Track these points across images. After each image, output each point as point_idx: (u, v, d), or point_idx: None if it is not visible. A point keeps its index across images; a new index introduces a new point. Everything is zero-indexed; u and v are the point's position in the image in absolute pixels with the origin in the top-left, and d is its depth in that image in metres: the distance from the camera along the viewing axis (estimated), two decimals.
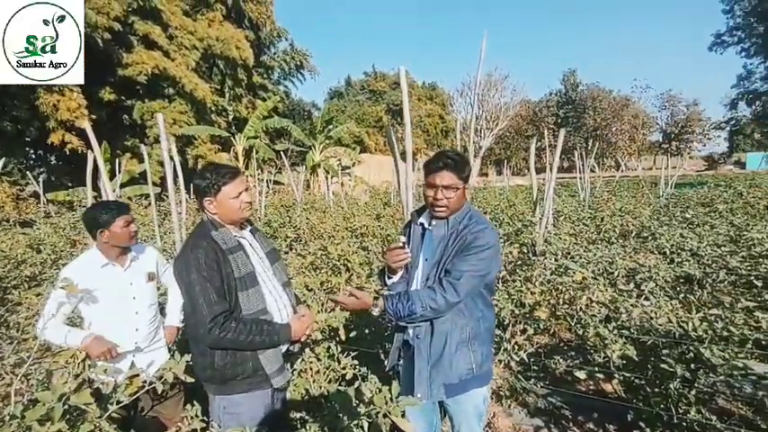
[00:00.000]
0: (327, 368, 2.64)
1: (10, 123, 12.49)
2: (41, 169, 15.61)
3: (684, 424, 2.46)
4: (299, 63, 30.32)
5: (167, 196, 10.98)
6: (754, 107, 35.98)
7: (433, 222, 1.87)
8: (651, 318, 2.45)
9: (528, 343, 3.18)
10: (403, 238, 1.92)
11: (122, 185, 10.35)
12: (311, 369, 2.64)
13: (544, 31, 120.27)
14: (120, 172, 8.41)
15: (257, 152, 18.40)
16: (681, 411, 2.44)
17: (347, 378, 2.37)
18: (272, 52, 28.13)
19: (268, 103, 19.03)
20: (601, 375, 3.25)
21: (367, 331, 3.27)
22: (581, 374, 2.98)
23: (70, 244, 6.39)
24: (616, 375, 2.49)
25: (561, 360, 3.63)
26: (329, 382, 2.59)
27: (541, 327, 3.65)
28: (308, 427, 1.44)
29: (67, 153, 13.50)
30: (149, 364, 2.33)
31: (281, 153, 12.52)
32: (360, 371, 2.40)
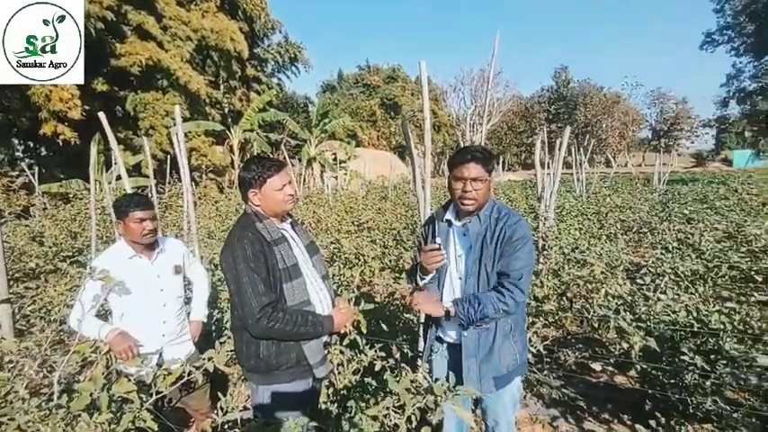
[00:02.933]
0: (350, 360, 2.68)
1: (0, 114, 12.25)
2: (31, 161, 15.31)
3: (699, 414, 2.55)
4: (292, 56, 30.07)
5: (163, 189, 10.84)
6: (743, 106, 36.54)
7: (465, 218, 1.88)
8: (674, 311, 2.51)
9: (536, 336, 3.25)
10: (439, 240, 1.91)
11: (118, 178, 10.21)
12: (332, 362, 2.67)
13: (536, 28, 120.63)
14: (115, 164, 8.32)
15: (252, 145, 18.28)
16: (695, 401, 2.52)
17: (375, 370, 2.40)
18: (266, 44, 27.87)
19: (264, 96, 18.87)
20: (610, 367, 3.33)
21: (384, 326, 3.30)
22: (596, 366, 3.05)
23: (71, 236, 6.33)
24: (638, 366, 2.55)
25: (570, 353, 3.72)
26: (354, 373, 2.62)
27: (550, 320, 3.73)
28: (361, 416, 1.46)
29: (60, 144, 13.32)
30: (178, 356, 2.34)
31: (281, 146, 12.46)
32: (388, 362, 2.43)
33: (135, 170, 15.97)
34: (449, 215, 1.94)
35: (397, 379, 1.37)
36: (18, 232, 6.16)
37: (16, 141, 15.31)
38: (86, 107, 13.28)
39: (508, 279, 1.70)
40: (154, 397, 1.78)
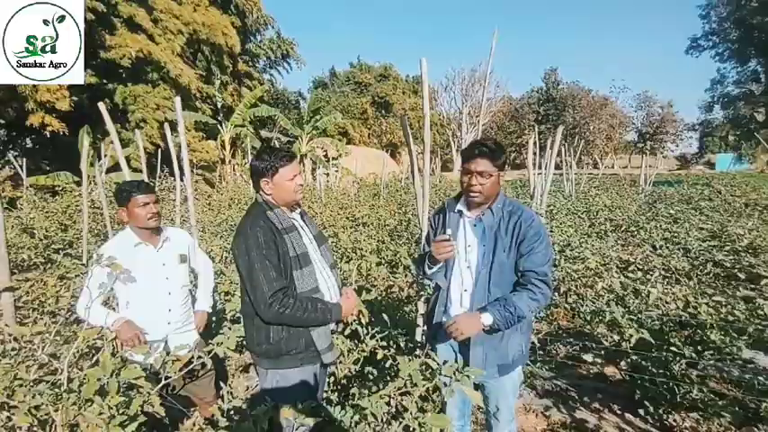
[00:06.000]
0: (350, 350, 2.73)
1: None
2: (14, 152, 15.04)
3: (686, 403, 2.65)
4: (285, 52, 29.93)
5: (154, 183, 10.72)
6: (727, 111, 37.42)
7: (478, 211, 1.92)
8: (666, 302, 2.61)
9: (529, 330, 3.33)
10: (449, 231, 1.94)
11: (107, 171, 10.10)
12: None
13: (527, 29, 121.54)
14: (104, 156, 8.21)
15: (243, 141, 18.18)
16: (683, 391, 2.62)
17: (377, 359, 2.45)
18: (258, 40, 27.69)
19: (256, 91, 18.76)
20: (599, 359, 3.44)
21: (385, 317, 3.35)
22: (588, 357, 3.15)
23: (62, 229, 6.27)
24: (632, 357, 2.64)
25: (561, 346, 3.83)
26: (354, 363, 2.68)
27: (542, 315, 3.82)
28: (370, 398, 1.52)
29: (47, 136, 13.08)
30: (182, 345, 2.36)
31: (272, 142, 12.41)
32: (390, 351, 2.48)
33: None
34: (460, 206, 1.98)
35: (410, 359, 1.43)
36: (7, 224, 6.09)
37: (2, 132, 15.02)
38: (74, 98, 13.08)
39: (535, 275, 1.76)
40: (163, 382, 1.81)
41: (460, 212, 1.98)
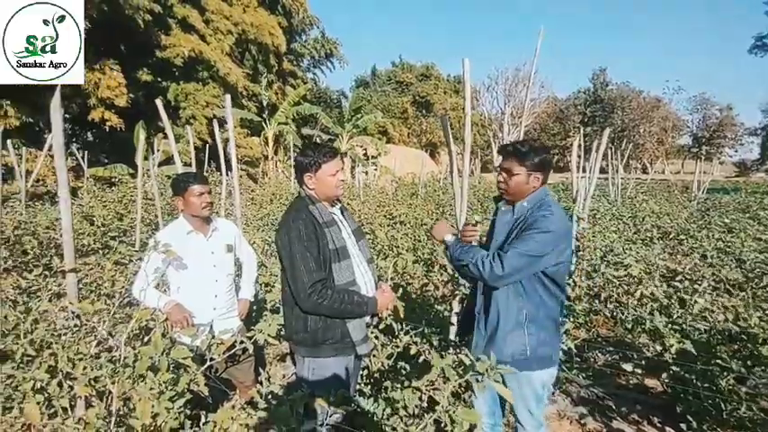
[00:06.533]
0: (384, 345, 2.78)
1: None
2: (77, 145, 16.11)
3: (732, 420, 2.53)
4: (328, 51, 30.51)
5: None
6: None
7: (503, 208, 1.99)
8: (712, 312, 2.50)
9: (566, 335, 3.26)
10: (477, 218, 2.10)
11: (160, 164, 10.64)
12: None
13: (575, 29, 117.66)
14: (157, 151, 8.68)
15: (286, 138, 18.67)
16: (730, 407, 2.50)
17: (410, 354, 2.49)
18: (303, 40, 28.37)
19: (300, 90, 19.26)
20: (639, 369, 3.33)
21: (419, 312, 3.39)
22: (627, 367, 3.06)
23: (118, 218, 6.68)
24: (673, 368, 2.55)
25: (600, 354, 3.72)
26: (387, 357, 2.72)
27: (581, 321, 3.73)
28: (402, 391, 1.56)
29: (106, 130, 13.97)
30: (226, 330, 2.50)
31: (313, 140, 12.68)
32: (424, 349, 2.52)
33: (173, 158, 16.54)
34: (501, 202, 2.05)
35: (442, 354, 1.46)
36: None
37: (67, 126, 16.13)
38: (131, 95, 13.86)
39: (502, 253, 1.76)
40: (207, 363, 1.93)
41: (499, 208, 2.06)
